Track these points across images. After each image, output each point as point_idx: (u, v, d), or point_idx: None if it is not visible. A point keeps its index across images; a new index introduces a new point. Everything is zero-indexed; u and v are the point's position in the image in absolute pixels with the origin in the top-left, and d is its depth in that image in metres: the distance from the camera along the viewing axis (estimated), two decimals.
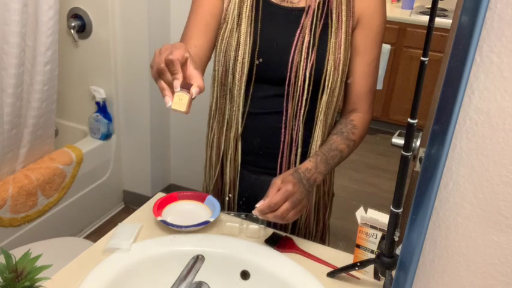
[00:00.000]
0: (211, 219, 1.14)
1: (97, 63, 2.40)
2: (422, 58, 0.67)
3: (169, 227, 1.12)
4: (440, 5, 0.67)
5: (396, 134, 1.01)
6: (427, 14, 3.21)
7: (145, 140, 2.55)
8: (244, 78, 1.13)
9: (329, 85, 1.10)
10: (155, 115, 2.53)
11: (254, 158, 1.22)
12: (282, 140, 1.16)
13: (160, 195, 1.23)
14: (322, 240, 1.31)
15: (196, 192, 1.25)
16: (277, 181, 1.03)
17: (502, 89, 0.56)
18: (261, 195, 1.24)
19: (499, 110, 0.57)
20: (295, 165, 1.19)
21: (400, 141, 0.98)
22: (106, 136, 2.48)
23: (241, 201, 1.27)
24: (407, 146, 0.75)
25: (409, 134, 0.73)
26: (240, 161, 1.23)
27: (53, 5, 1.93)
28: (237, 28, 1.12)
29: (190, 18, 1.17)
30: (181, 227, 1.11)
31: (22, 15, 1.82)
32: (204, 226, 1.13)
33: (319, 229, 1.29)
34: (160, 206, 1.18)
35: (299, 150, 1.17)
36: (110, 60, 2.37)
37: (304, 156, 1.18)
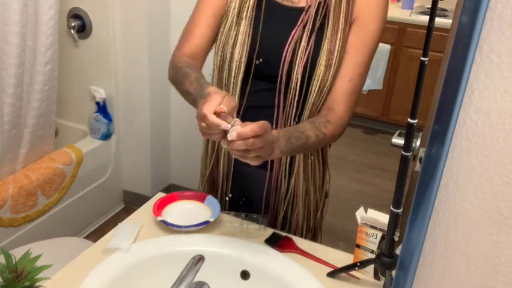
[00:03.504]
0: (211, 219, 1.14)
1: (97, 63, 2.40)
2: (422, 58, 0.67)
3: (169, 227, 1.12)
4: (440, 5, 0.67)
5: (396, 134, 1.01)
6: (427, 14, 3.21)
7: (145, 140, 2.55)
8: (240, 77, 1.14)
9: (318, 85, 1.10)
10: (155, 115, 2.53)
11: None
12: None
13: (160, 195, 1.23)
14: (313, 239, 1.31)
15: (196, 192, 1.25)
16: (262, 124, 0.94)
17: (502, 89, 0.56)
18: (253, 188, 1.24)
19: (499, 110, 0.57)
20: (286, 158, 1.19)
21: (400, 141, 0.98)
22: (106, 136, 2.48)
23: (237, 197, 1.27)
24: (407, 146, 0.75)
25: (409, 134, 0.73)
26: (233, 157, 1.23)
27: (53, 5, 1.93)
28: (235, 26, 1.13)
29: (198, 7, 1.18)
30: (181, 227, 1.11)
31: (22, 15, 1.82)
32: (204, 226, 1.13)
33: (310, 228, 1.29)
34: (160, 206, 1.19)
35: None
36: (110, 60, 2.37)
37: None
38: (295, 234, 1.25)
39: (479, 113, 0.58)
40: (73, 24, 2.32)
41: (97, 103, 2.42)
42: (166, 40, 2.44)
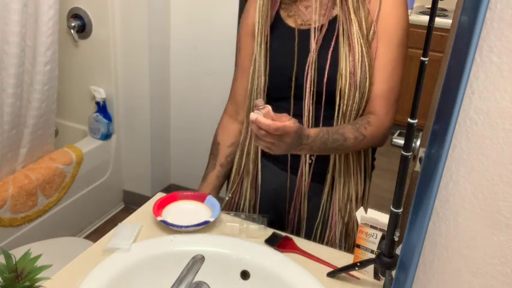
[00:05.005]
0: (211, 219, 1.14)
1: (97, 63, 2.40)
2: (422, 58, 0.67)
3: (169, 227, 1.12)
4: (440, 5, 0.67)
5: (396, 134, 1.01)
6: (427, 14, 3.21)
7: (145, 140, 2.55)
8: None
9: (344, 103, 1.11)
10: (155, 115, 2.53)
11: (277, 156, 1.23)
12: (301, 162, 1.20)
13: (160, 195, 1.23)
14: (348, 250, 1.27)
15: (196, 192, 1.25)
16: (288, 117, 0.98)
17: (502, 89, 0.56)
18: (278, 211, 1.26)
19: (499, 110, 0.57)
20: (315, 169, 1.20)
21: (400, 141, 0.98)
22: (106, 136, 2.48)
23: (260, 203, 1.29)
24: (407, 146, 0.75)
25: (409, 134, 0.73)
26: (260, 183, 1.27)
27: (53, 5, 1.93)
28: (259, 59, 1.18)
29: (236, 64, 1.29)
30: (181, 227, 1.11)
31: (22, 15, 1.82)
32: (204, 226, 1.13)
33: (348, 243, 1.26)
34: (160, 206, 1.18)
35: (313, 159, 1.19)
36: (110, 60, 2.37)
37: (323, 168, 1.19)
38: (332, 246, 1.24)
39: (479, 113, 0.58)
40: (73, 24, 2.32)
41: (97, 103, 2.42)
42: (166, 40, 2.44)
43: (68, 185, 2.28)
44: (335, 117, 1.13)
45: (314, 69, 1.12)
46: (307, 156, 1.19)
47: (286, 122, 0.95)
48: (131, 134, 2.56)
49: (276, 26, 1.19)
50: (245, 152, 1.27)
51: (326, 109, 1.14)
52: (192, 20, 2.39)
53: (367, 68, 1.09)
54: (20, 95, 1.95)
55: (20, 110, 1.98)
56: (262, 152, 1.24)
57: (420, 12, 3.41)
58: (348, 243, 1.25)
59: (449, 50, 0.56)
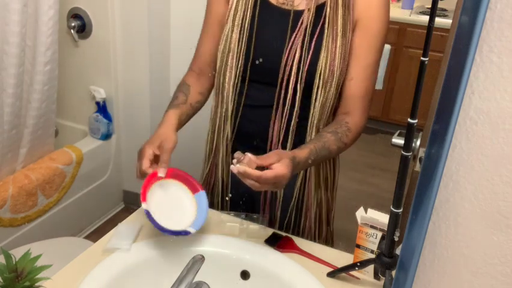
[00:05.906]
0: (192, 230, 1.05)
1: (97, 63, 2.40)
2: (422, 58, 0.67)
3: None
4: (440, 5, 0.67)
5: (396, 134, 1.01)
6: (427, 14, 3.21)
7: (145, 140, 2.54)
8: (232, 82, 1.15)
9: (321, 92, 1.10)
10: (155, 115, 2.53)
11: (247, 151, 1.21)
12: (269, 146, 1.18)
13: None
14: (326, 241, 1.30)
15: (191, 178, 1.17)
16: (276, 157, 0.98)
17: (502, 89, 0.56)
18: (252, 192, 1.23)
19: (499, 110, 0.57)
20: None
21: (400, 141, 0.98)
22: (106, 136, 2.48)
23: (239, 200, 1.27)
24: (407, 146, 0.75)
25: (409, 134, 0.73)
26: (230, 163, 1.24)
27: (53, 5, 1.93)
28: (230, 33, 1.13)
29: (204, 21, 1.24)
30: (163, 230, 1.04)
31: (22, 15, 1.82)
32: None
33: (322, 230, 1.28)
34: (148, 183, 1.13)
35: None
36: (110, 60, 2.37)
37: None
38: (306, 237, 1.24)
39: (479, 113, 0.58)
40: (73, 24, 2.32)
41: (97, 103, 2.42)
42: (166, 40, 2.44)
43: (68, 185, 2.28)
44: (312, 106, 1.12)
45: (305, 53, 1.09)
46: (280, 142, 1.17)
47: (277, 166, 0.95)
48: (131, 134, 2.55)
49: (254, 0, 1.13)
50: (216, 132, 1.24)
51: (302, 98, 1.12)
52: (192, 19, 2.38)
53: (345, 61, 1.10)
54: (20, 95, 1.95)
55: (20, 110, 1.98)
56: (235, 134, 1.22)
57: (420, 12, 3.41)
58: (320, 230, 1.27)
59: (449, 50, 0.56)
